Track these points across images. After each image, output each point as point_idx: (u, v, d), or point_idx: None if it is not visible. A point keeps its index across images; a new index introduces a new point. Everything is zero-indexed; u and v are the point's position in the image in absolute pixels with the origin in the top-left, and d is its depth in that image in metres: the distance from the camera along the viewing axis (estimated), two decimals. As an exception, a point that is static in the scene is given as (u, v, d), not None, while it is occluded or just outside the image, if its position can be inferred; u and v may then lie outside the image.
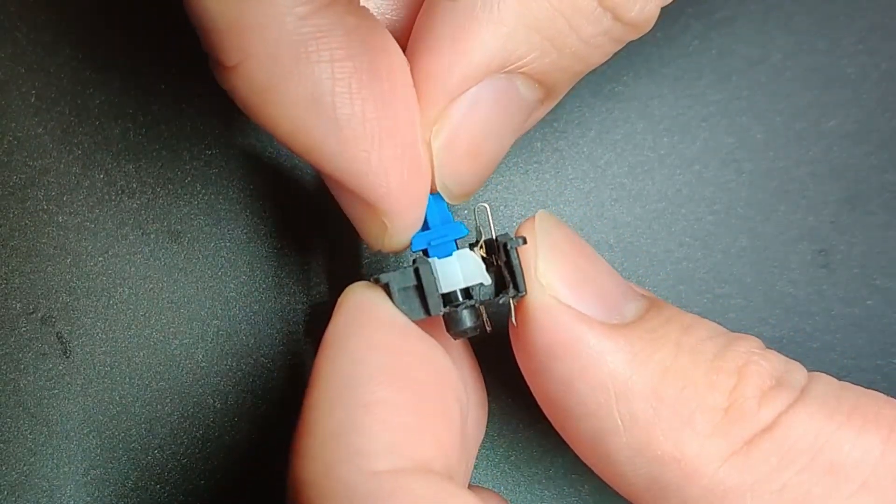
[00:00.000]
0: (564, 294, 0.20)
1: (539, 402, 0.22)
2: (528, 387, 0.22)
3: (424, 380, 0.20)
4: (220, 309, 0.26)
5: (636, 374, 0.20)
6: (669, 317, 0.21)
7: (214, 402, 0.26)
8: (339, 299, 0.21)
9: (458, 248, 0.21)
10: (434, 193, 0.22)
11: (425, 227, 0.22)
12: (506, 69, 0.20)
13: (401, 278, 0.21)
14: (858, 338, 0.27)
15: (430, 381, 0.20)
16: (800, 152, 0.27)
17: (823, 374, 0.21)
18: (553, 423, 0.22)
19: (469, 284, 0.21)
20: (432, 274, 0.21)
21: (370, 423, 0.18)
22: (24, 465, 0.25)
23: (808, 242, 0.27)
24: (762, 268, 0.27)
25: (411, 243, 0.21)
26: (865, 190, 0.27)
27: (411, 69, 0.21)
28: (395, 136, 0.20)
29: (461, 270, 0.21)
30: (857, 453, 0.19)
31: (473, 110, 0.21)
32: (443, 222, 0.22)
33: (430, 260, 0.21)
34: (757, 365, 0.20)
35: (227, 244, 0.26)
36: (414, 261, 0.21)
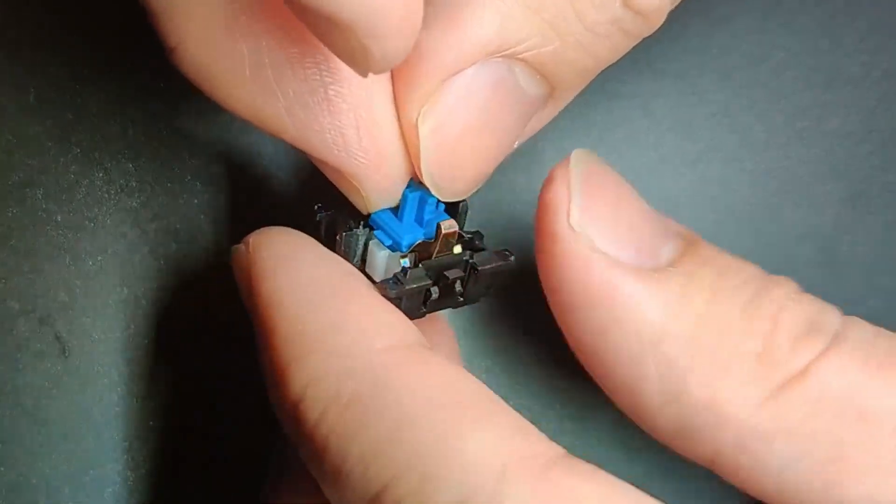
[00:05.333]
0: (599, 241, 0.20)
1: (571, 347, 0.22)
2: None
3: (361, 285, 0.21)
4: (220, 309, 0.26)
5: (672, 322, 0.20)
6: (706, 258, 0.21)
7: (214, 401, 0.26)
8: (251, 242, 0.21)
9: (404, 251, 0.22)
10: (422, 189, 0.21)
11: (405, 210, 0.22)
12: (503, 53, 0.19)
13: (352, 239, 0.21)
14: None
15: (364, 287, 0.21)
16: (802, 151, 0.27)
17: (858, 319, 0.21)
18: (585, 367, 0.22)
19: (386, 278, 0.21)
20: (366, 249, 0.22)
21: (362, 310, 0.19)
22: (23, 465, 0.25)
23: (811, 242, 0.27)
24: (764, 267, 0.27)
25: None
26: (867, 189, 0.27)
27: None
28: (343, 106, 0.20)
29: (385, 268, 0.21)
30: (890, 401, 0.19)
31: (467, 94, 0.20)
32: (411, 220, 0.22)
33: (371, 242, 0.21)
34: (791, 311, 0.20)
35: (227, 243, 0.26)
36: (370, 227, 0.22)
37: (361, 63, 0.19)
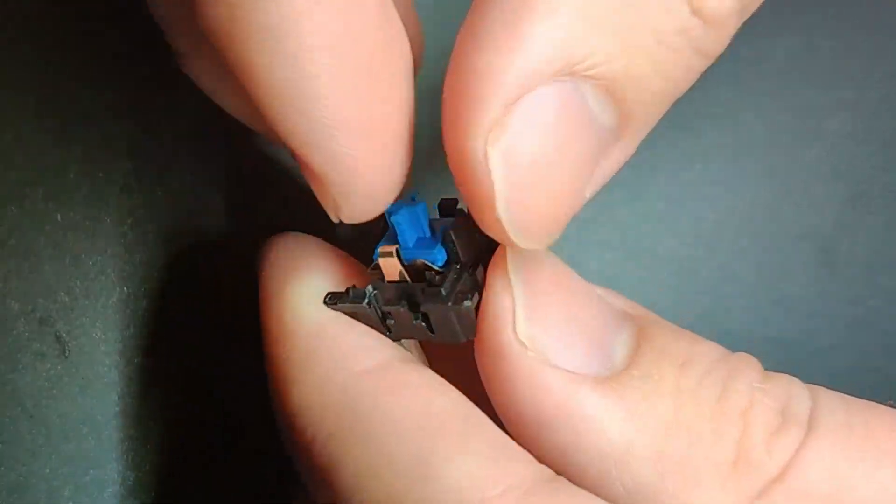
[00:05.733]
0: (552, 352, 0.18)
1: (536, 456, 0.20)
2: None
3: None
4: (221, 309, 0.26)
5: (636, 437, 0.18)
6: (662, 350, 0.19)
7: (215, 401, 0.26)
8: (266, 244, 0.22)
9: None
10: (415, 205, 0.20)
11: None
12: (570, 70, 0.17)
13: None
14: (861, 337, 0.27)
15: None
16: (802, 152, 0.27)
17: (825, 393, 0.19)
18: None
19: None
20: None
21: (332, 337, 0.20)
22: (23, 465, 0.24)
23: (811, 242, 0.27)
24: (764, 267, 0.27)
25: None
26: (868, 189, 0.27)
27: (458, 68, 0.18)
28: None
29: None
30: (876, 488, 0.18)
31: (536, 119, 0.17)
32: (415, 239, 0.20)
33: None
34: (760, 404, 0.19)
35: (228, 243, 0.26)
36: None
37: (331, 210, 0.20)
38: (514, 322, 0.18)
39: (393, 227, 0.20)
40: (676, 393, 0.19)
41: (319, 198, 0.20)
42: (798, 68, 0.27)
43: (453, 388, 0.19)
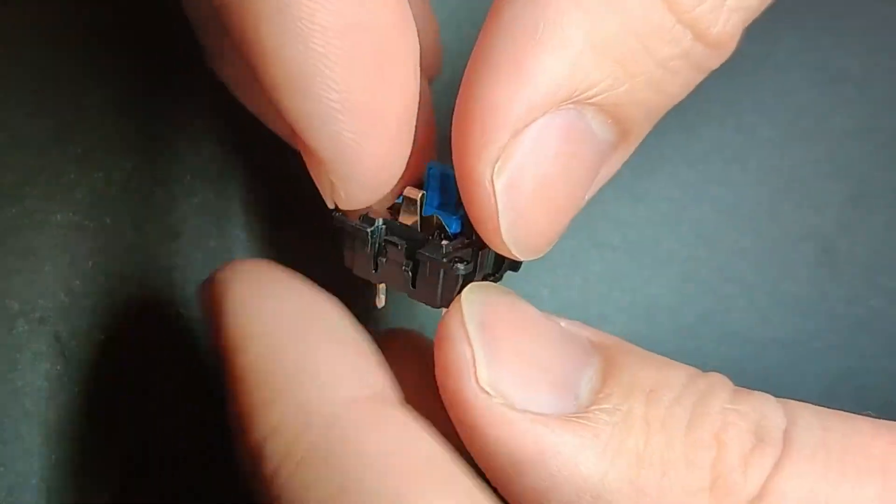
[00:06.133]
0: (516, 396, 0.18)
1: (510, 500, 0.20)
2: None
3: (338, 325, 0.20)
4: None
5: (610, 473, 0.18)
6: (629, 382, 0.19)
7: (214, 402, 0.26)
8: (216, 279, 0.21)
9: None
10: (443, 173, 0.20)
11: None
12: (574, 99, 0.18)
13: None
14: (861, 337, 0.27)
15: (342, 326, 0.20)
16: (804, 151, 0.27)
17: (800, 408, 0.19)
18: None
19: None
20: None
21: (326, 359, 0.19)
22: (22, 465, 0.24)
23: (812, 241, 0.27)
24: (766, 267, 0.27)
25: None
26: (870, 189, 0.27)
27: (468, 98, 0.18)
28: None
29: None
30: (854, 501, 0.18)
31: (540, 146, 0.18)
32: (440, 202, 0.21)
33: None
34: (733, 426, 0.18)
35: (227, 243, 0.26)
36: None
37: (328, 195, 0.19)
38: (475, 371, 0.18)
39: (428, 178, 0.20)
40: (645, 424, 0.18)
41: (317, 182, 0.20)
42: (799, 68, 0.27)
43: (435, 430, 0.19)
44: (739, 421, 0.18)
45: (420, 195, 0.20)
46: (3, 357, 0.24)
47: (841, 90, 0.27)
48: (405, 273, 0.20)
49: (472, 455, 0.19)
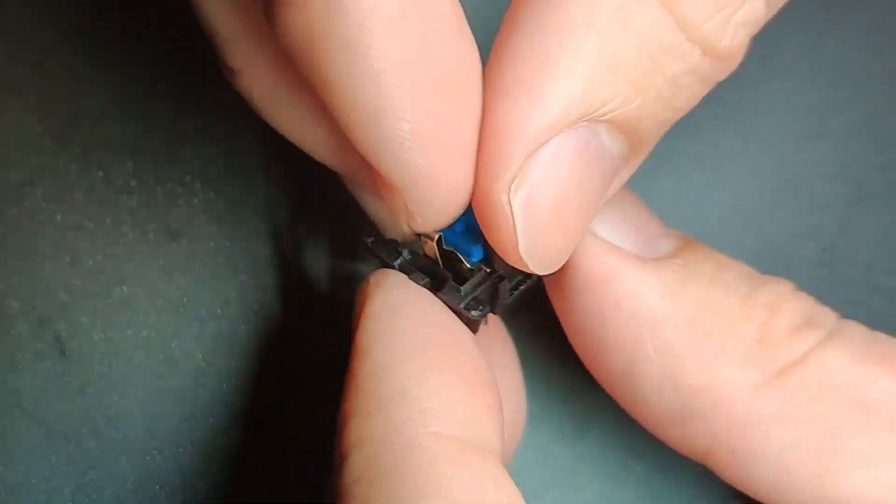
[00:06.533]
0: (599, 227, 0.20)
1: (569, 337, 0.22)
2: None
3: (474, 359, 0.20)
4: (220, 309, 0.26)
5: (670, 307, 0.20)
6: (705, 254, 0.21)
7: (213, 402, 0.26)
8: (370, 282, 0.21)
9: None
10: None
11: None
12: (588, 117, 0.18)
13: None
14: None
15: (478, 361, 0.20)
16: (803, 151, 0.27)
17: (854, 322, 0.21)
18: (582, 358, 0.22)
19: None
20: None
21: (436, 386, 0.19)
22: (23, 465, 0.24)
23: (813, 241, 0.27)
24: (766, 267, 0.27)
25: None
26: (870, 189, 0.27)
27: (483, 119, 0.19)
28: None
29: None
30: (888, 393, 0.19)
31: (554, 165, 0.19)
32: (462, 229, 0.21)
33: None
34: (788, 302, 0.21)
35: (227, 243, 0.26)
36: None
37: (403, 220, 0.20)
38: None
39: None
40: (711, 282, 0.21)
41: (393, 209, 0.20)
42: (800, 68, 0.27)
43: (512, 484, 0.19)
44: (795, 302, 0.21)
45: (437, 236, 0.21)
46: (3, 357, 0.24)
47: (841, 90, 0.27)
48: None
49: (546, 282, 0.21)
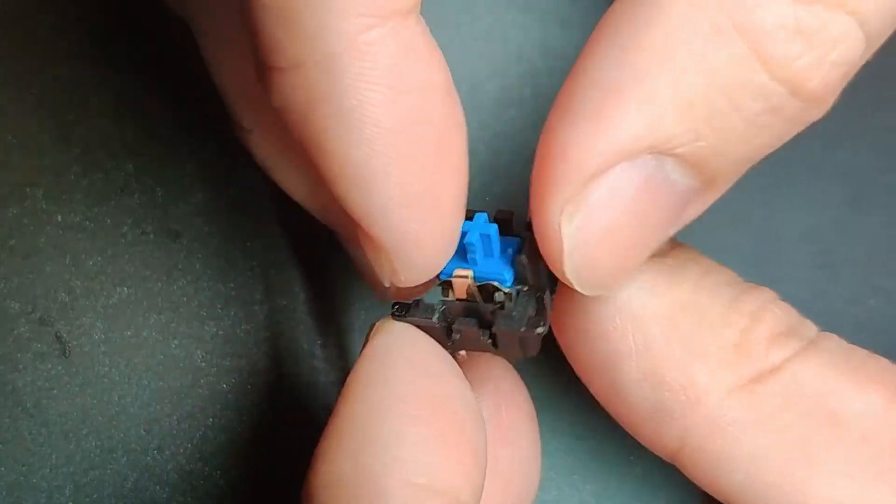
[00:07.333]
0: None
1: (554, 328, 0.22)
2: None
3: (462, 415, 0.20)
4: (220, 309, 0.26)
5: (654, 304, 0.20)
6: (691, 258, 0.21)
7: (213, 402, 0.26)
8: (375, 327, 0.21)
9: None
10: (488, 223, 0.21)
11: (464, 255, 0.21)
12: (654, 151, 0.18)
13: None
14: (860, 338, 0.27)
15: (466, 418, 0.20)
16: (802, 151, 0.27)
17: (835, 335, 0.21)
18: (564, 351, 0.22)
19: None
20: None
21: (414, 437, 0.19)
22: (23, 465, 0.24)
23: (810, 242, 0.27)
24: (763, 268, 0.27)
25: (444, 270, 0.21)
26: (867, 189, 0.27)
27: (545, 145, 0.19)
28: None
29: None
30: (860, 407, 0.20)
31: (613, 194, 0.18)
32: (484, 258, 0.21)
33: None
34: (770, 311, 0.21)
35: (227, 243, 0.26)
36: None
37: (386, 277, 0.20)
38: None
39: (465, 246, 0.21)
40: (697, 285, 0.21)
41: (376, 266, 0.21)
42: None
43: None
44: (777, 311, 0.21)
45: (470, 273, 0.21)
46: (4, 357, 0.24)
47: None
48: (485, 341, 0.21)
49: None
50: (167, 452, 0.25)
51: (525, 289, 0.21)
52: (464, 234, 0.21)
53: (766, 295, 0.21)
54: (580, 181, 0.18)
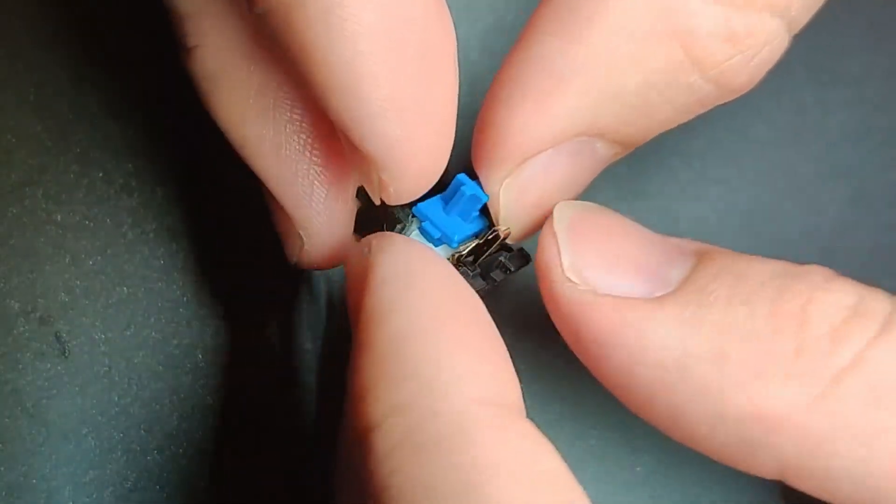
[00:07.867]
0: (598, 283, 0.20)
1: (606, 387, 0.21)
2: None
3: (487, 326, 0.19)
4: (220, 308, 0.26)
5: (692, 341, 0.19)
6: (720, 267, 0.20)
7: (213, 402, 0.26)
8: (373, 246, 0.20)
9: (454, 246, 0.22)
10: (471, 186, 0.22)
11: (447, 203, 0.22)
12: (586, 135, 0.20)
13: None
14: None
15: (489, 328, 0.19)
16: (802, 151, 0.27)
17: None
18: (626, 406, 0.21)
19: None
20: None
21: (465, 355, 0.18)
22: (23, 465, 0.24)
23: (811, 242, 0.27)
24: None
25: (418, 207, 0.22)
26: (869, 189, 0.27)
27: (489, 119, 0.21)
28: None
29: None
30: None
31: (547, 171, 0.21)
32: (459, 215, 0.22)
33: (414, 233, 0.22)
34: (820, 302, 0.19)
35: (227, 243, 0.26)
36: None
37: (374, 191, 0.20)
38: (560, 264, 0.20)
39: (458, 195, 0.22)
40: (729, 300, 0.19)
41: (365, 181, 0.21)
42: (798, 68, 0.27)
43: (549, 443, 0.18)
44: (828, 298, 0.19)
45: (453, 255, 0.23)
46: (4, 357, 0.24)
47: (840, 90, 0.27)
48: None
49: (568, 344, 0.20)
50: (167, 453, 0.25)
51: (466, 253, 0.22)
52: (460, 184, 0.22)
53: (815, 278, 0.19)
54: (518, 159, 0.20)
